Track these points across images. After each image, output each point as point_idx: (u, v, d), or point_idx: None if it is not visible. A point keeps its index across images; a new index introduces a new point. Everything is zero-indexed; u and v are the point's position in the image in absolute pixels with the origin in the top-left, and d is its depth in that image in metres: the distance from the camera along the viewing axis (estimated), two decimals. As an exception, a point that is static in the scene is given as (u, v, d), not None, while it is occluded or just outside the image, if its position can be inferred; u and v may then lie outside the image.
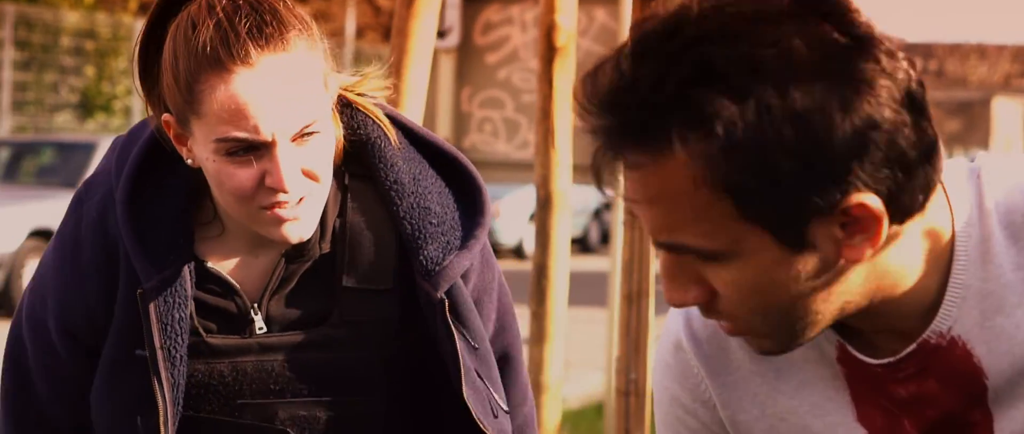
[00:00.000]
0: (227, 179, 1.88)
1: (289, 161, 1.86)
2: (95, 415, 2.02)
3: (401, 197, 2.00)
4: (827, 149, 1.37)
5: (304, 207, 1.91)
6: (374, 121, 2.03)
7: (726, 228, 1.41)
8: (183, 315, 1.95)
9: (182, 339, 1.95)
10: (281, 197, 1.88)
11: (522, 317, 4.07)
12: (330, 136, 1.92)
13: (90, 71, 20.81)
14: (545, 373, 3.61)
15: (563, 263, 3.57)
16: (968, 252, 1.51)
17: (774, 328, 1.50)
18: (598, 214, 21.27)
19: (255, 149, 1.86)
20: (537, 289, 3.57)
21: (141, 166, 1.98)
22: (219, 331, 1.99)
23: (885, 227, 1.42)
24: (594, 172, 1.44)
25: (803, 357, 1.59)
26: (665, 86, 1.37)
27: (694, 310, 1.63)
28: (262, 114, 1.84)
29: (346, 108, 2.02)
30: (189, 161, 1.93)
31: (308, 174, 1.89)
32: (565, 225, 3.56)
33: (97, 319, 1.99)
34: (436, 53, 6.90)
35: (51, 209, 13.50)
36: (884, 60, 1.41)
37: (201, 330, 1.98)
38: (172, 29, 1.89)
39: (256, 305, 1.99)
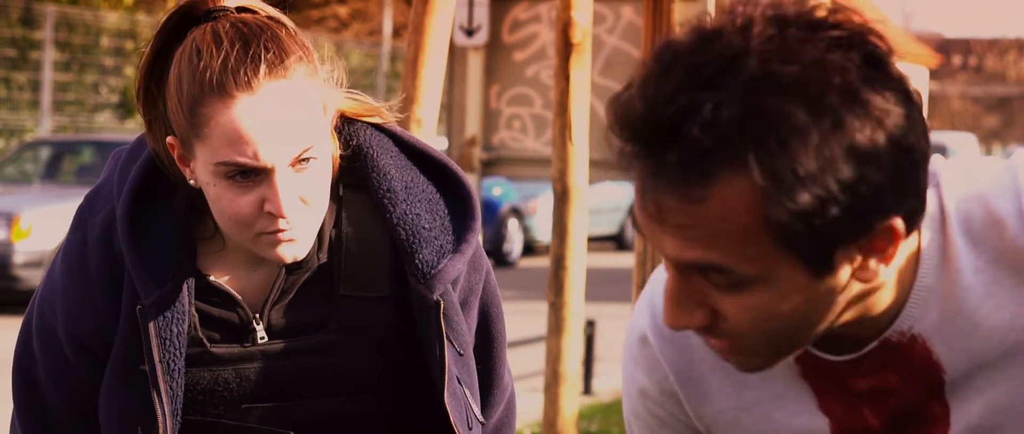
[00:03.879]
0: (227, 204, 1.93)
1: (288, 187, 1.91)
2: (102, 420, 2.08)
3: (394, 205, 2.05)
4: (871, 187, 1.43)
5: (299, 231, 1.95)
6: (365, 131, 2.08)
7: (762, 256, 1.46)
8: (181, 329, 2.01)
9: (180, 353, 2.01)
10: (280, 223, 1.93)
11: (543, 313, 4.13)
12: (327, 160, 1.98)
13: (130, 71, 20.97)
14: (563, 363, 3.68)
15: (580, 256, 3.63)
16: (931, 257, 1.57)
17: (770, 349, 1.56)
18: (631, 212, 21.26)
19: (254, 174, 1.91)
20: (555, 281, 3.63)
21: (142, 183, 2.02)
22: (222, 340, 2.05)
23: (901, 246, 1.49)
24: (640, 197, 1.48)
25: None
26: (733, 119, 1.41)
27: (659, 305, 1.68)
28: (262, 140, 1.89)
29: (340, 120, 2.07)
30: (192, 182, 1.98)
31: (305, 201, 1.94)
32: (582, 218, 3.62)
33: (107, 329, 2.04)
34: (465, 51, 6.97)
35: (90, 208, 13.59)
36: (911, 91, 1.47)
37: (205, 341, 2.04)
38: (177, 55, 1.94)
39: (257, 315, 2.05)
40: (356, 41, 25.86)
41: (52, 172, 15.30)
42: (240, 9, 1.97)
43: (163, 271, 2.00)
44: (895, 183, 1.45)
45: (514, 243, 19.14)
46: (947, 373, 1.60)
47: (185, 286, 2.01)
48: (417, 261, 2.03)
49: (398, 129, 2.11)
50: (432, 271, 2.03)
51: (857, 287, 1.52)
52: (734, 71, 1.42)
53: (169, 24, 1.98)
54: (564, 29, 3.54)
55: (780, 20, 1.46)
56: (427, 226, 2.05)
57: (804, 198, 1.42)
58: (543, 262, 18.93)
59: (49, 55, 19.90)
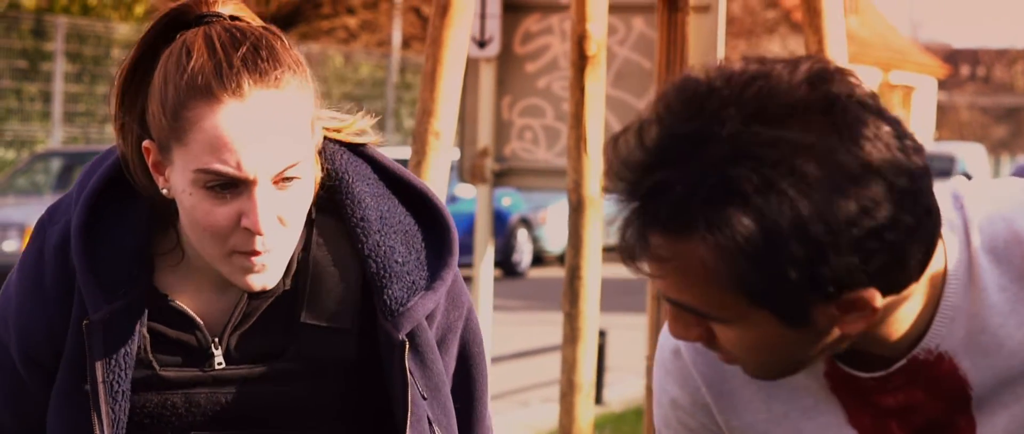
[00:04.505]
0: (202, 215, 1.84)
1: (267, 204, 1.83)
2: None
3: (367, 235, 1.96)
4: (833, 259, 1.49)
5: (272, 256, 1.86)
6: (342, 155, 1.99)
7: (733, 305, 1.54)
8: (130, 350, 1.91)
9: (126, 374, 1.91)
10: (256, 242, 1.84)
11: (557, 323, 4.17)
12: (310, 183, 1.89)
13: (140, 82, 20.99)
14: (578, 373, 3.71)
15: (595, 265, 3.66)
16: (958, 276, 1.62)
17: (766, 371, 1.64)
18: (643, 222, 21.30)
19: (234, 186, 1.82)
20: (570, 290, 3.66)
21: (101, 193, 1.93)
22: (178, 364, 1.95)
23: (880, 309, 1.55)
24: (621, 239, 1.56)
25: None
26: (695, 195, 1.49)
27: None
28: (247, 150, 1.81)
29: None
30: (164, 191, 1.88)
31: (283, 221, 1.85)
32: (597, 228, 3.65)
33: (60, 346, 1.95)
34: (477, 63, 7.00)
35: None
36: (888, 168, 1.51)
37: (154, 363, 1.94)
38: (165, 56, 1.86)
39: (217, 339, 1.96)
40: (366, 52, 25.90)
41: (63, 183, 15.37)
42: (233, 18, 1.90)
43: (115, 286, 1.90)
44: (861, 262, 1.50)
45: (523, 254, 19.16)
46: (974, 389, 1.65)
47: (139, 304, 1.92)
48: (386, 296, 1.94)
49: (378, 154, 2.03)
50: (400, 309, 1.95)
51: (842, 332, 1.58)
52: (703, 151, 1.50)
53: (157, 26, 1.90)
54: (579, 42, 3.57)
55: (759, 95, 1.52)
56: (400, 260, 1.96)
57: (755, 277, 1.50)
58: (552, 272, 18.95)
59: (60, 66, 19.95)
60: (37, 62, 19.95)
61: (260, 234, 1.83)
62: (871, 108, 1.53)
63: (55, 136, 19.70)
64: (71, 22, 20.35)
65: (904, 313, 1.61)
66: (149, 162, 1.88)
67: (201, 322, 1.95)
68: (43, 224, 1.97)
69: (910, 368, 1.65)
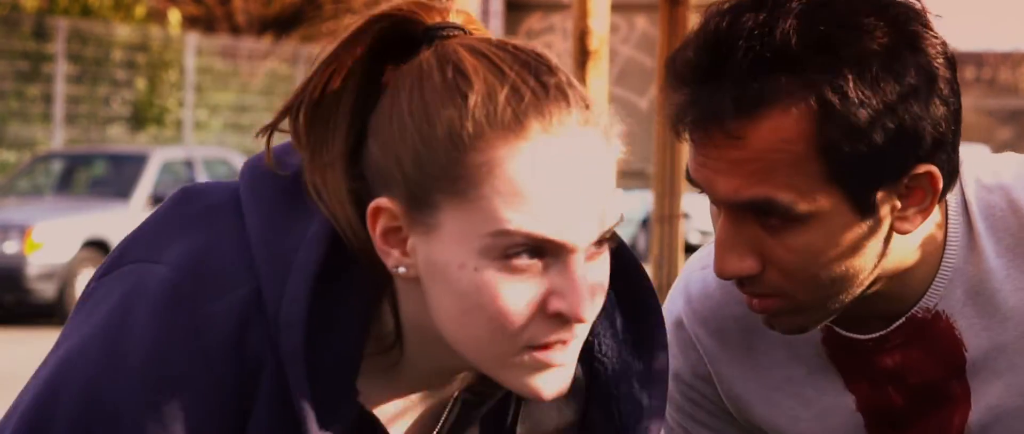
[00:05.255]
0: (491, 300, 1.33)
1: (586, 280, 1.35)
2: None
3: (602, 328, 1.50)
4: (917, 123, 1.52)
5: (576, 348, 1.39)
6: None
7: (811, 187, 1.52)
8: None
9: None
10: (564, 332, 1.36)
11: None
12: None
13: (141, 84, 21.05)
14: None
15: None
16: (958, 239, 1.66)
17: (814, 300, 1.61)
18: (645, 224, 21.38)
19: (541, 254, 1.33)
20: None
21: (320, 271, 1.38)
22: None
23: (938, 199, 1.58)
24: (694, 133, 1.54)
25: (793, 338, 1.70)
26: (784, 48, 1.49)
27: (695, 290, 1.76)
28: (569, 204, 1.32)
29: None
30: (400, 269, 1.37)
31: (596, 302, 1.38)
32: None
33: None
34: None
35: (104, 220, 13.73)
36: (938, 43, 1.56)
37: None
38: (406, 79, 1.36)
39: None
40: (367, 54, 25.96)
41: (64, 185, 15.41)
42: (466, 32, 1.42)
43: (331, 405, 1.38)
44: (935, 128, 1.54)
45: (525, 255, 19.20)
46: (968, 351, 1.68)
47: (346, 426, 1.41)
48: (613, 411, 1.51)
49: None
50: (639, 418, 1.51)
51: (891, 245, 1.59)
52: (780, 9, 1.51)
53: (363, 37, 1.39)
54: (581, 37, 3.58)
55: None
56: (625, 359, 1.52)
57: (848, 129, 1.49)
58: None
59: (61, 68, 19.99)
60: (38, 64, 19.99)
61: (583, 321, 1.35)
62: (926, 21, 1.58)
63: (56, 138, 19.72)
64: (72, 24, 20.39)
65: (916, 255, 1.63)
66: (377, 229, 1.37)
67: None
68: (185, 297, 1.38)
69: (908, 326, 1.67)
